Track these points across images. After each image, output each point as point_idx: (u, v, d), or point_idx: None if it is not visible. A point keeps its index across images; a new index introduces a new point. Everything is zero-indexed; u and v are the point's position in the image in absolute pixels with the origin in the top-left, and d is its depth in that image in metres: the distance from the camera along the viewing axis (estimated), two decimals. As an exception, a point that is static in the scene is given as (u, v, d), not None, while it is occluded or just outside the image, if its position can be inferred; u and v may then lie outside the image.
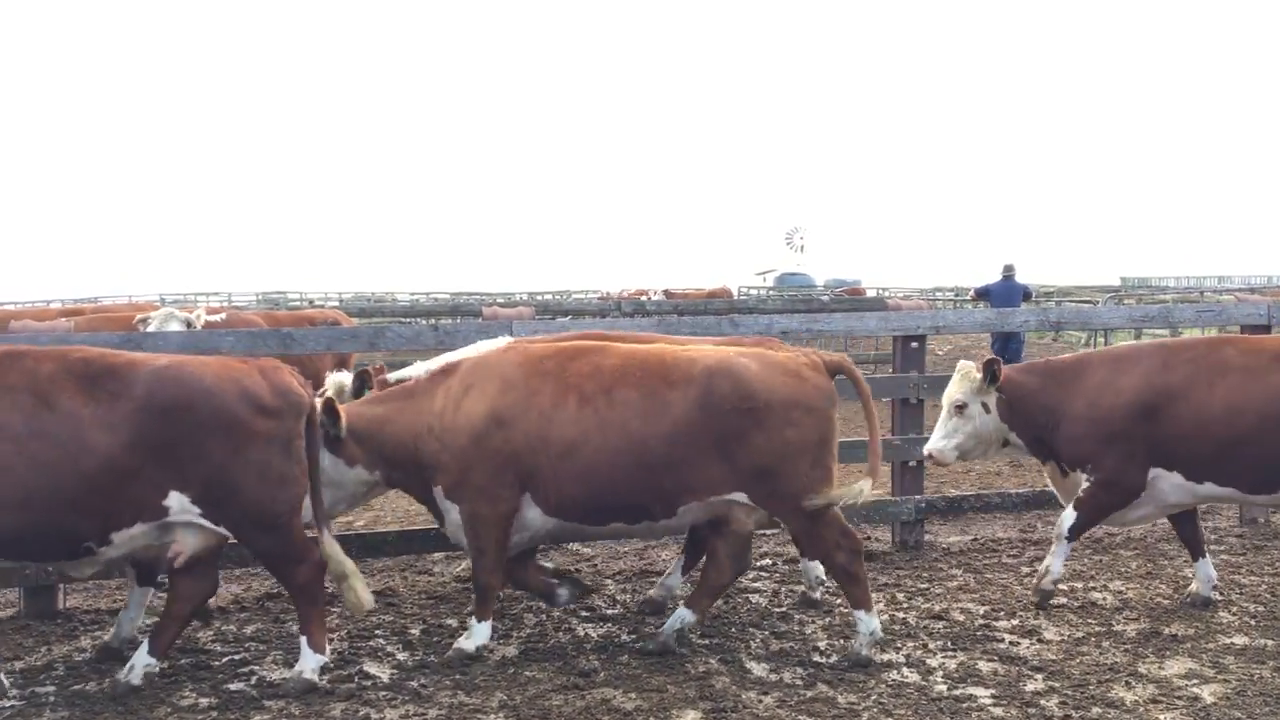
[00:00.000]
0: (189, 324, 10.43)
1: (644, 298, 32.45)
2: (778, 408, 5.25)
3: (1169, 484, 5.99)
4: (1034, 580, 6.33)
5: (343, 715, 4.78)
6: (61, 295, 41.05)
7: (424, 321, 19.37)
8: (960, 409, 6.17)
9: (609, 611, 6.26)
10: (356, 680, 5.20)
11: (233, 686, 5.13)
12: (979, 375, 6.10)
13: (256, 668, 5.39)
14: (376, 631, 5.93)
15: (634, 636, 5.79)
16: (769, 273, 59.00)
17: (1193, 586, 6.27)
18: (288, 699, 4.94)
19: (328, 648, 5.21)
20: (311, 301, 39.47)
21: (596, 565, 7.35)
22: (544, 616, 6.17)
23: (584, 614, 6.23)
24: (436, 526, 6.53)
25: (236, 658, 5.54)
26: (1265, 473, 5.86)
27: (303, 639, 5.13)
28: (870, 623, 5.36)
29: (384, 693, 5.04)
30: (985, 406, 6.14)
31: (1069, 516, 6.12)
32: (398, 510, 9.21)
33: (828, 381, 5.42)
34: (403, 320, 19.71)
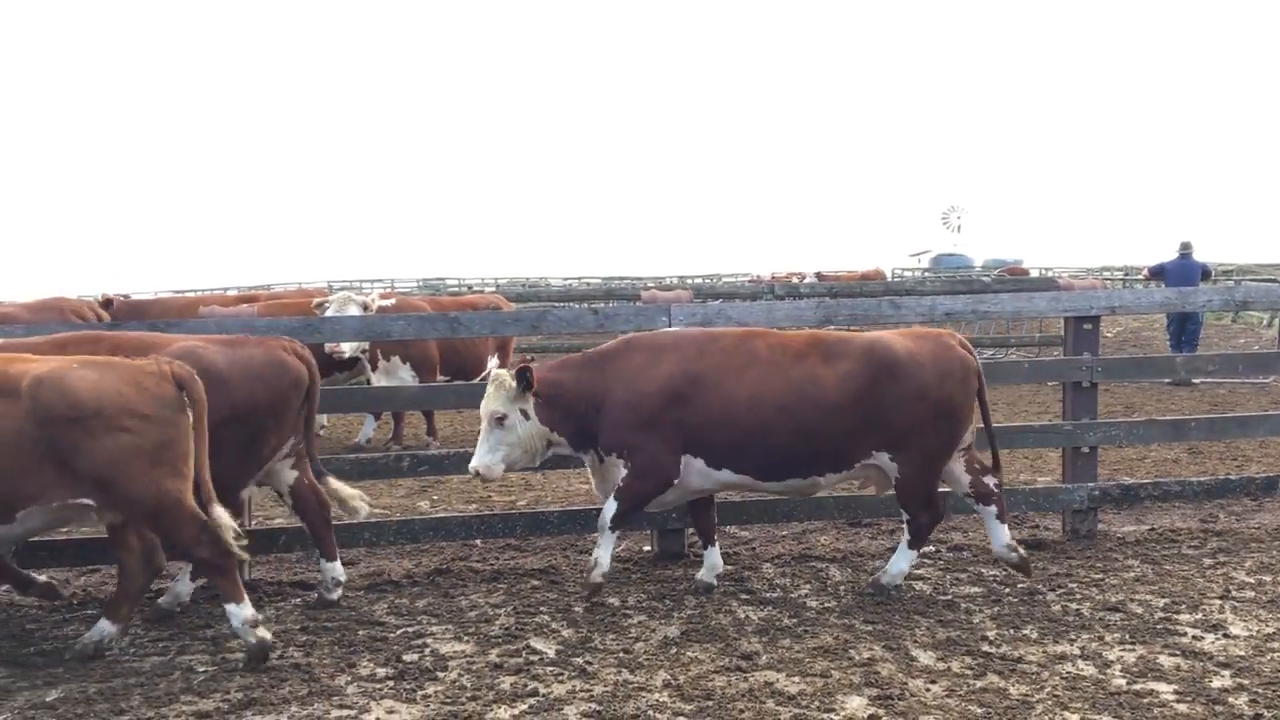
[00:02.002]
0: (365, 307, 10.90)
1: (795, 280, 32.16)
2: (107, 416, 5.17)
3: (694, 470, 6.09)
4: (584, 574, 6.34)
5: (512, 688, 4.91)
6: (238, 283, 43.28)
7: (581, 305, 19.64)
8: (500, 420, 6.07)
9: (768, 595, 6.24)
10: (524, 655, 5.32)
11: (408, 657, 5.33)
12: (513, 384, 6.03)
13: (429, 640, 5.57)
14: (541, 608, 6.06)
15: (795, 620, 5.76)
16: (923, 254, 57.69)
17: (699, 574, 6.44)
18: (460, 672, 5.11)
19: None
20: (470, 287, 40.48)
21: (755, 549, 7.34)
22: (703, 598, 6.20)
23: (743, 597, 6.23)
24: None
25: (410, 630, 5.75)
26: (776, 461, 6.05)
27: None
28: (241, 613, 5.28)
29: (551, 668, 5.15)
30: (524, 414, 6.09)
31: (610, 507, 6.11)
32: (558, 490, 9.39)
33: (170, 390, 5.33)
34: (556, 305, 20.02)
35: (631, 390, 6.03)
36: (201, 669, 5.24)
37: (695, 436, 6.02)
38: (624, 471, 6.09)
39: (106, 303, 13.48)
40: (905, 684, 4.89)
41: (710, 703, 4.72)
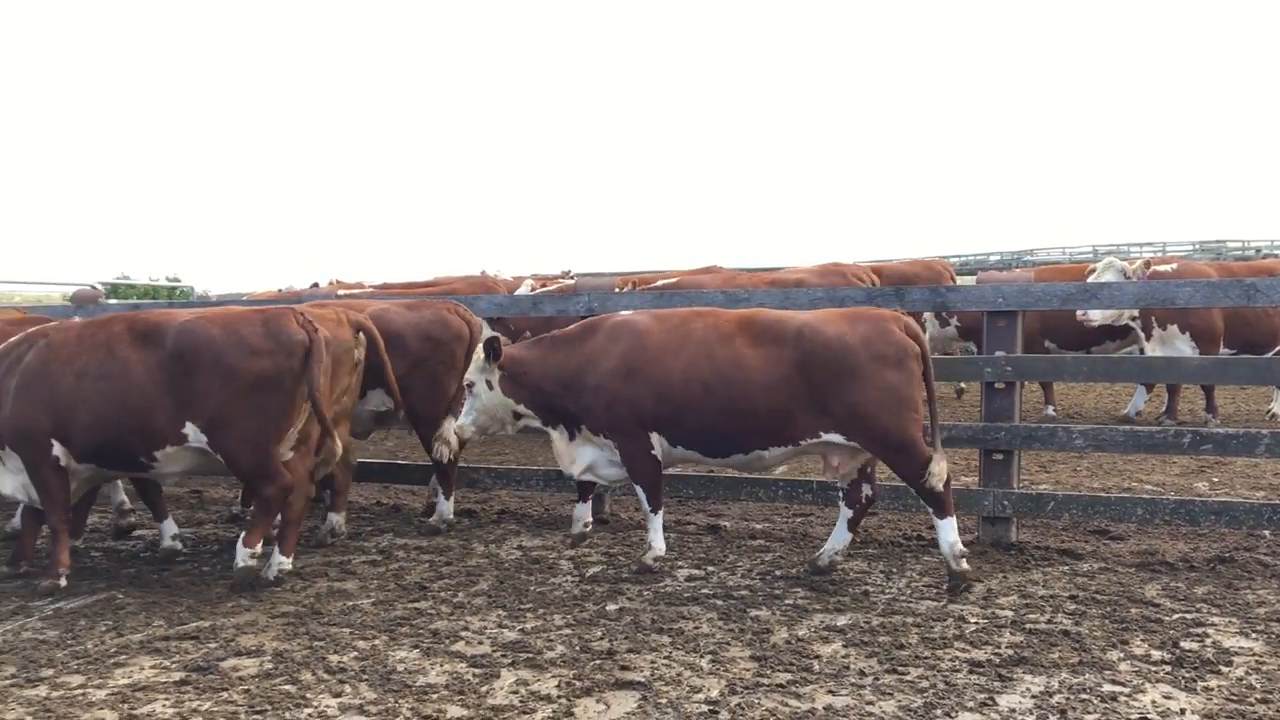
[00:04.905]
0: (1124, 273, 11.04)
1: None
2: (227, 360, 6.01)
3: (656, 445, 6.25)
4: (639, 555, 6.52)
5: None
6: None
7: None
8: (469, 387, 6.53)
9: None
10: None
11: (1185, 644, 5.01)
12: (482, 354, 6.42)
13: (1210, 630, 5.18)
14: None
15: None
16: None
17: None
18: (1247, 670, 4.68)
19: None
20: (1258, 250, 36.18)
21: None
22: None
23: None
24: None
25: (1188, 616, 5.40)
26: (716, 438, 6.10)
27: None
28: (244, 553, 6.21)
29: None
30: (489, 384, 6.46)
31: (642, 495, 6.36)
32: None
33: (300, 335, 6.12)
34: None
35: (596, 372, 6.21)
36: (972, 620, 5.45)
37: (652, 414, 6.15)
38: (614, 452, 6.35)
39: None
40: None
41: None
